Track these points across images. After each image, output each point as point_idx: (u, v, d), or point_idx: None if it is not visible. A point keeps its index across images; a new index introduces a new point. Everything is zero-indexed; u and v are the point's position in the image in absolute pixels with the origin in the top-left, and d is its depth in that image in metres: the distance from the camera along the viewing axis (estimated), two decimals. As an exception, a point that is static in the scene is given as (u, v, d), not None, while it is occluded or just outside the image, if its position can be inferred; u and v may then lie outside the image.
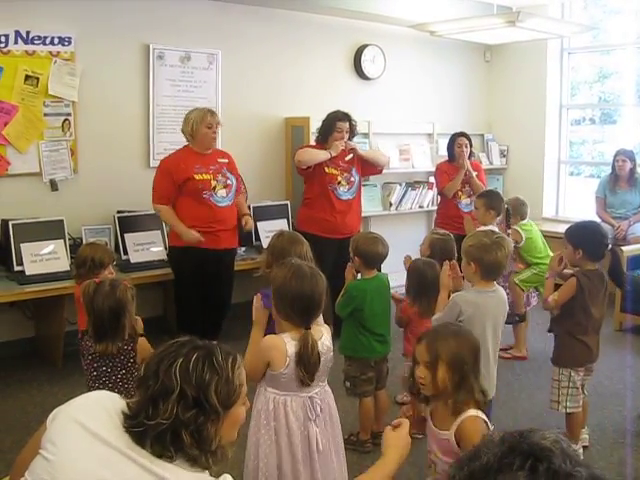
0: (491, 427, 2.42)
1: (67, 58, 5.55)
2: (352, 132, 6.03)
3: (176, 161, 5.20)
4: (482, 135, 8.66)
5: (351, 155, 5.99)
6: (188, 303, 5.34)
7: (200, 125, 5.16)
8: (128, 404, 1.76)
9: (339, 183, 5.94)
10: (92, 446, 1.69)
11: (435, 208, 7.88)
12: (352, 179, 6.03)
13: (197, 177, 5.16)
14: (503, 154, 8.74)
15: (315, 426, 2.85)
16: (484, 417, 2.40)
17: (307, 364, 2.75)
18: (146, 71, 6.05)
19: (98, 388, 3.20)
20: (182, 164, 5.17)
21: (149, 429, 1.67)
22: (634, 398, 4.83)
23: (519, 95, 8.48)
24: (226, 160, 5.42)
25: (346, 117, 5.93)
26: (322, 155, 5.86)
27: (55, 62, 5.49)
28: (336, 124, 5.89)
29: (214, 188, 5.22)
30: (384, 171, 6.82)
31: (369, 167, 6.21)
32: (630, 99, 8.23)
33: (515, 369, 5.45)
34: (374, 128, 7.37)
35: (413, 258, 4.50)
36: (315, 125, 6.58)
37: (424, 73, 8.05)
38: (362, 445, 4.09)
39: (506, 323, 3.79)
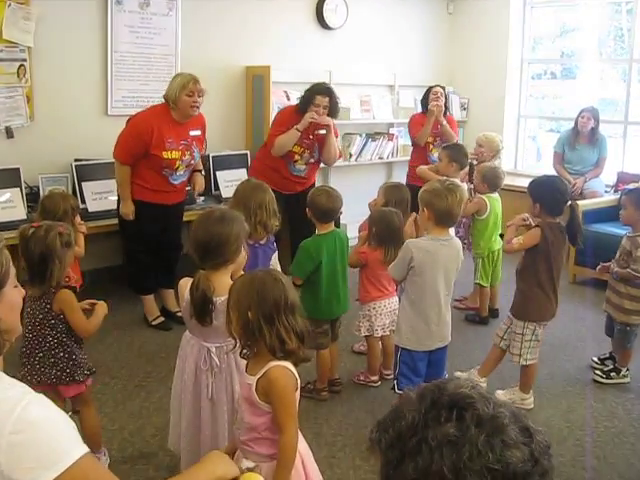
0: (298, 379, 2.32)
1: (22, 2, 5.38)
2: (333, 110, 5.59)
3: (150, 126, 4.87)
4: (443, 87, 8.64)
5: (324, 130, 5.64)
6: (139, 256, 5.22)
7: (181, 93, 4.87)
8: None
9: (296, 161, 5.70)
10: None
11: (395, 160, 7.96)
12: (311, 160, 5.77)
13: (165, 155, 4.90)
14: (464, 107, 8.77)
15: (209, 377, 2.89)
16: (291, 368, 2.30)
17: (193, 302, 2.78)
18: (104, 17, 5.89)
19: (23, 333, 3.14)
20: (156, 131, 4.86)
21: None
22: (585, 349, 4.97)
23: (481, 48, 8.49)
24: (199, 132, 5.17)
25: (328, 91, 5.56)
26: (292, 138, 5.55)
27: (9, 5, 5.33)
28: (315, 98, 5.51)
29: (176, 169, 5.01)
30: (344, 122, 6.80)
31: (323, 156, 5.85)
32: (591, 55, 8.29)
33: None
34: (335, 78, 7.29)
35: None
36: (276, 74, 6.56)
37: (386, 24, 8.00)
38: (319, 393, 4.18)
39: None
